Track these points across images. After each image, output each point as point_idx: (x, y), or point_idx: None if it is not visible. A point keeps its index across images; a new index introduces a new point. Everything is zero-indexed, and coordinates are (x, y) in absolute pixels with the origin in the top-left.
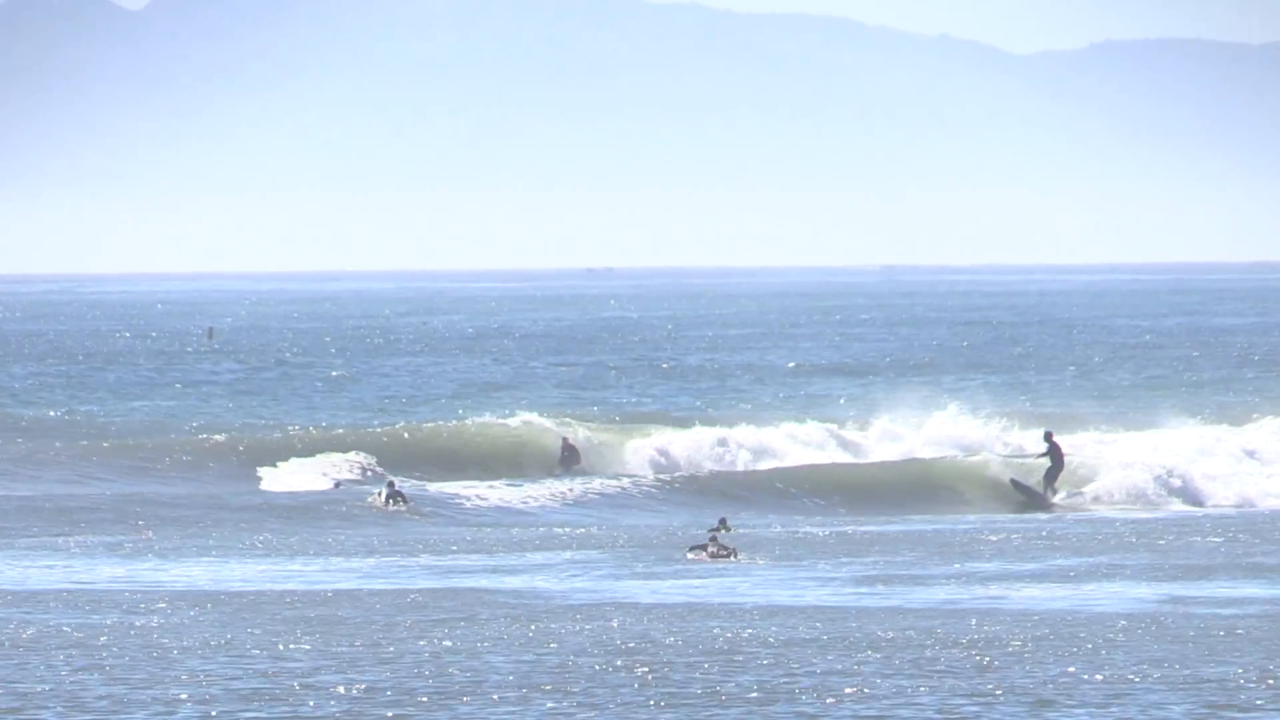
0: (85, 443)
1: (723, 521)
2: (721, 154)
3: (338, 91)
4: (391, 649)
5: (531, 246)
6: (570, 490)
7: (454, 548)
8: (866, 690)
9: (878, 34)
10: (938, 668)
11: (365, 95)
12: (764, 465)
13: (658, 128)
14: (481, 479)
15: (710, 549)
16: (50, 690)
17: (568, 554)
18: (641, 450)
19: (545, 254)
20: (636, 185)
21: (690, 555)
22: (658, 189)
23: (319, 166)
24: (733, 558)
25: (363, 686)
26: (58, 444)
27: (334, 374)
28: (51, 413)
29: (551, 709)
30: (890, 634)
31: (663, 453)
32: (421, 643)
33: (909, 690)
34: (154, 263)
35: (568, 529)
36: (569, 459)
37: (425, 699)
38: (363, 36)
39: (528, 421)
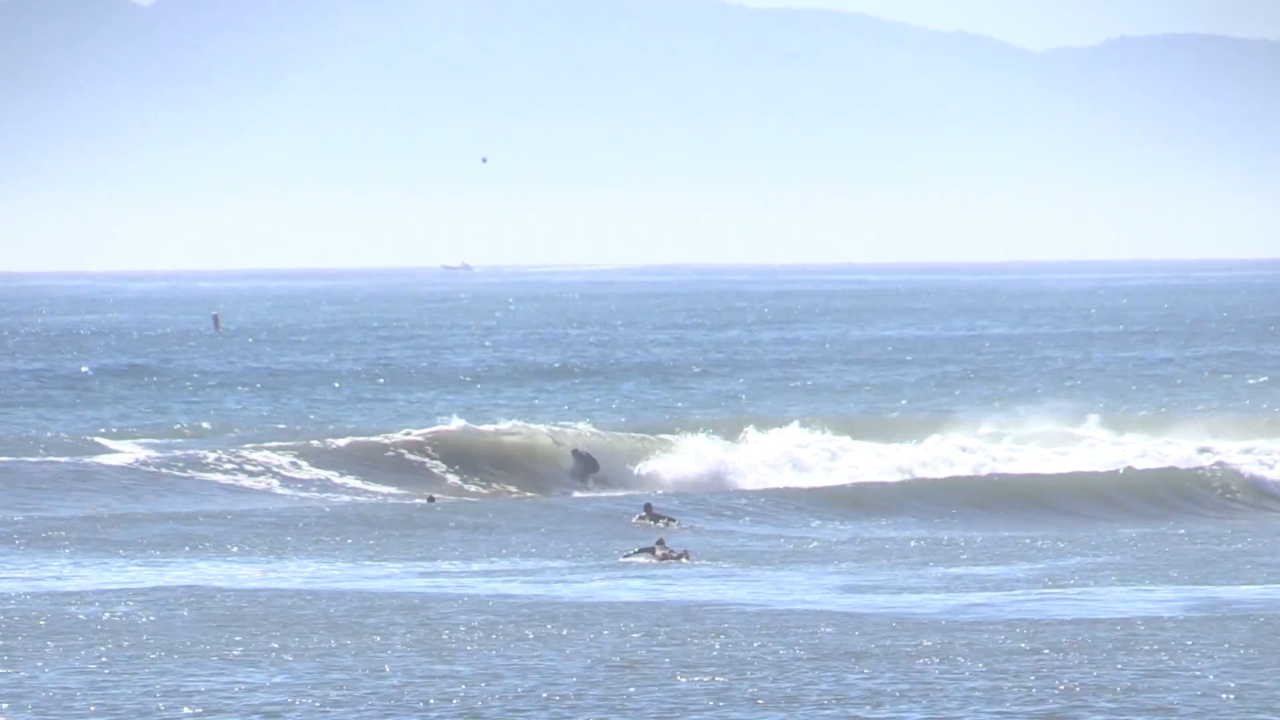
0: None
1: (648, 509)
2: (733, 152)
3: (342, 91)
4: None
5: (534, 246)
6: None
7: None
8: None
9: (892, 29)
10: None
11: (371, 95)
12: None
13: (668, 126)
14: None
15: (659, 551)
16: None
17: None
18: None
19: (548, 254)
20: (643, 184)
21: (628, 559)
22: (662, 188)
23: (322, 166)
24: (684, 560)
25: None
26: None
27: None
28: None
29: None
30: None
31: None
32: None
33: None
34: (158, 260)
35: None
36: (585, 469)
37: None
38: (369, 37)
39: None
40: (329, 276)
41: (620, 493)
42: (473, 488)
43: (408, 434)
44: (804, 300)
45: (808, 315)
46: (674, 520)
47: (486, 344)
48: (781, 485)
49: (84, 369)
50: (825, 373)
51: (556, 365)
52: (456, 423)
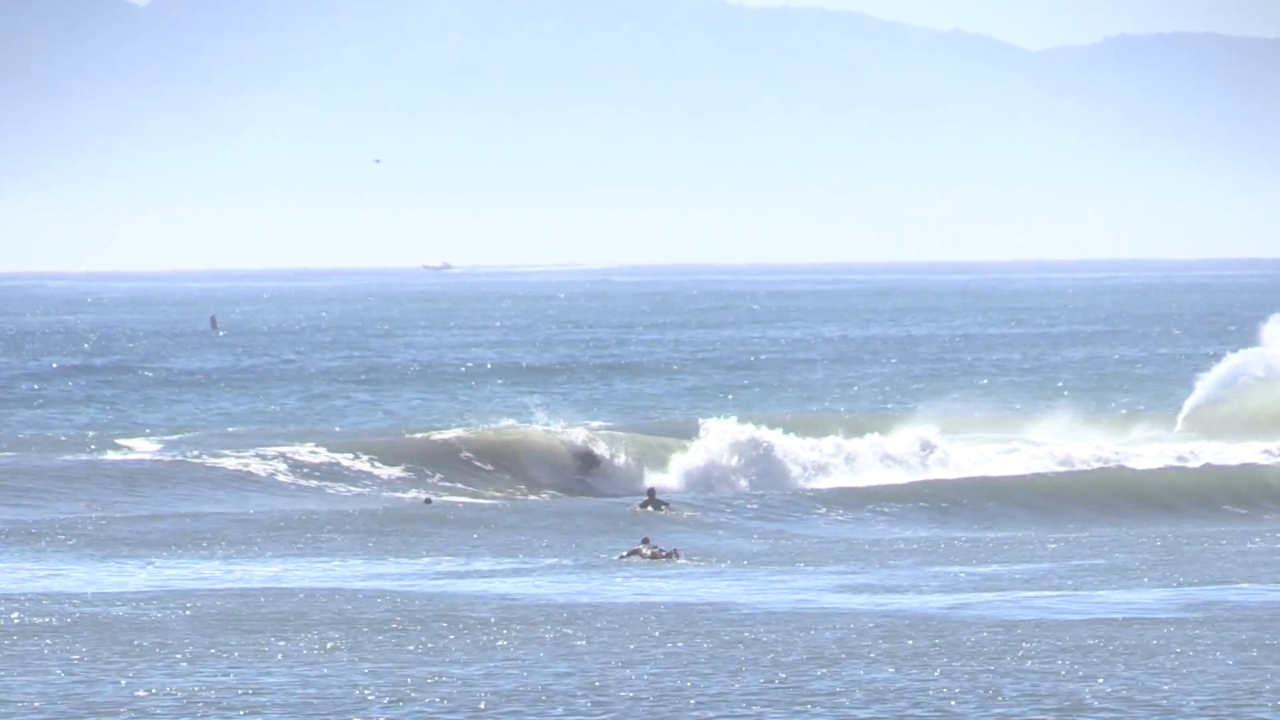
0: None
1: (651, 493)
2: (733, 152)
3: (342, 91)
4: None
5: (535, 247)
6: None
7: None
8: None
9: (890, 28)
10: None
11: (371, 95)
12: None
13: (668, 126)
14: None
15: (645, 550)
16: None
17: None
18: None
19: (551, 254)
20: (643, 184)
21: (624, 559)
22: (662, 188)
23: (321, 165)
24: (674, 558)
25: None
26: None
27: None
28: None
29: None
30: None
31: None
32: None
33: None
34: (156, 261)
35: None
36: (584, 466)
37: None
38: (369, 37)
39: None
40: (318, 276)
41: (620, 491)
42: (470, 487)
43: (406, 434)
44: (798, 300)
45: (801, 314)
46: (675, 507)
47: (481, 342)
48: (780, 485)
49: (73, 364)
50: (820, 371)
51: (546, 365)
52: (504, 422)
